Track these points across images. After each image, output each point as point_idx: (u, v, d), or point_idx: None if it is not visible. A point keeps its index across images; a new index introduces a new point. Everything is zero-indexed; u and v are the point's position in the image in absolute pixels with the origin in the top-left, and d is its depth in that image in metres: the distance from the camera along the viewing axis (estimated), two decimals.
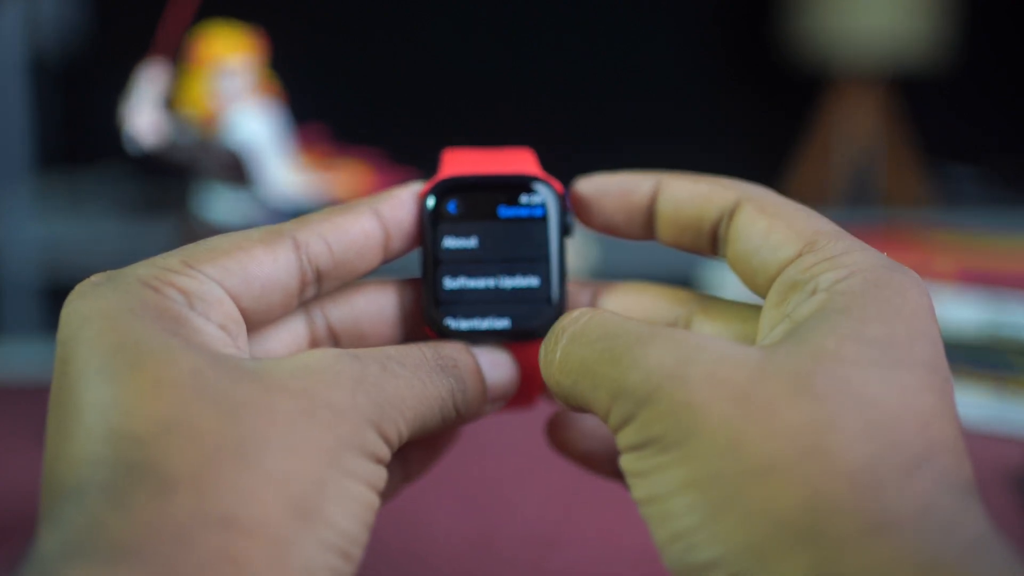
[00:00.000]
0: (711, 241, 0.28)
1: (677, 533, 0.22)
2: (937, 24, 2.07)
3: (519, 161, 0.30)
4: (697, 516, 0.21)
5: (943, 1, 2.09)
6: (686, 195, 0.28)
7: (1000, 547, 0.20)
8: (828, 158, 2.14)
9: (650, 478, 0.23)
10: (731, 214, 0.27)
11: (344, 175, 0.55)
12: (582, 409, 0.25)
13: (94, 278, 0.24)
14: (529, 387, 0.29)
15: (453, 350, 0.27)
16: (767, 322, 0.25)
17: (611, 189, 0.29)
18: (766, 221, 0.26)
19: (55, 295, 1.70)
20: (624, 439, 0.23)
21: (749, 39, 2.33)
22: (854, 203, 2.11)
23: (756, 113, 2.34)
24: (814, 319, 0.23)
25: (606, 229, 0.30)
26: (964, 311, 0.57)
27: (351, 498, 0.23)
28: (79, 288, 0.24)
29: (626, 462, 0.24)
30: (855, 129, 2.12)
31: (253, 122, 0.52)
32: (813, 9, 2.07)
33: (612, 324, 0.25)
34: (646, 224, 0.29)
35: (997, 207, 2.12)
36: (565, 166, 0.38)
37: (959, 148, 2.30)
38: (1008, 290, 0.56)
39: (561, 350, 0.26)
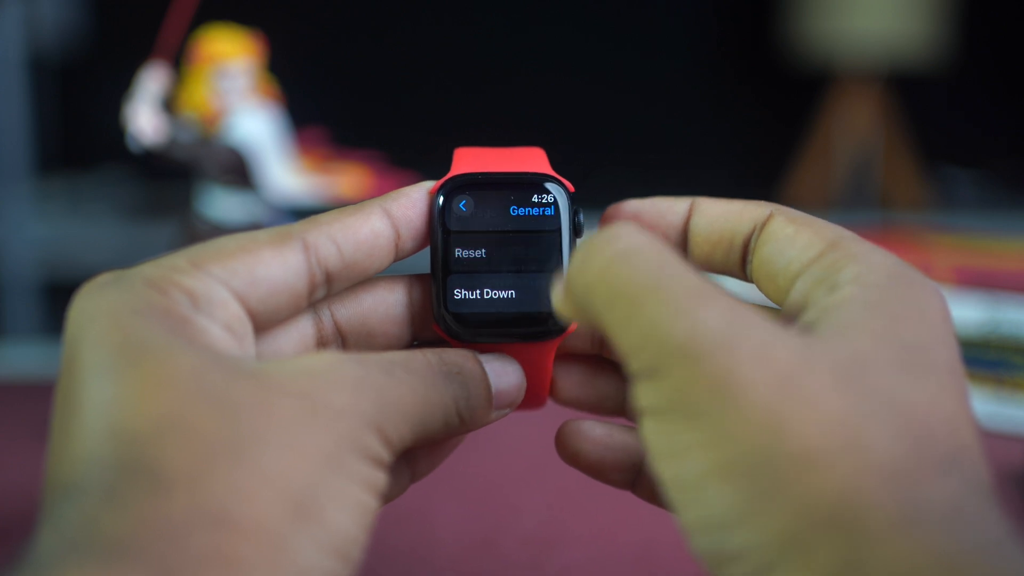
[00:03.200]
0: (742, 256, 0.29)
1: (709, 520, 0.22)
2: (936, 26, 2.07)
3: (531, 160, 0.30)
4: (733, 504, 0.21)
5: (942, 3, 2.09)
6: (720, 211, 0.29)
7: (1022, 548, 0.20)
8: (828, 159, 2.14)
9: (679, 460, 0.22)
10: (763, 225, 0.28)
11: (344, 178, 0.55)
12: (596, 326, 0.24)
13: (101, 278, 0.24)
14: (538, 388, 0.29)
15: (459, 356, 0.27)
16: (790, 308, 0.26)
17: (646, 211, 0.30)
18: (794, 227, 0.27)
19: (55, 296, 1.70)
20: (647, 395, 0.23)
21: (750, 40, 2.33)
22: (852, 205, 2.11)
23: (756, 114, 2.34)
24: (846, 309, 0.24)
25: None
26: (962, 311, 0.57)
27: (349, 500, 0.22)
28: (86, 288, 0.24)
29: (649, 432, 0.23)
30: (854, 130, 2.12)
31: (253, 123, 0.52)
32: (813, 10, 2.07)
33: (672, 262, 0.23)
34: (681, 247, 0.29)
35: (995, 210, 2.12)
36: (567, 168, 0.38)
37: (957, 151, 2.31)
38: (1006, 290, 0.57)
39: (613, 252, 0.24)
